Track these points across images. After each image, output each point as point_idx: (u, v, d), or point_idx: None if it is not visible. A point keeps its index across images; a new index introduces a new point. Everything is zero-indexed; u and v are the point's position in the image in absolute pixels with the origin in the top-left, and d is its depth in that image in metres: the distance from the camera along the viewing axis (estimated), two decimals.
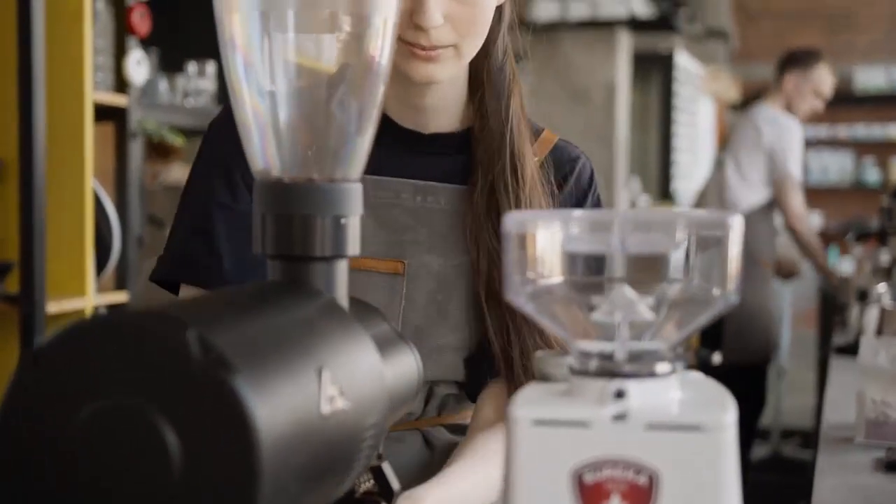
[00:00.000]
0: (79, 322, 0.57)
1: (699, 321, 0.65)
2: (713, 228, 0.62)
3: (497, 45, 1.24)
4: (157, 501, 0.53)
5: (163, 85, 3.05)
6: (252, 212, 0.71)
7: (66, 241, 2.55)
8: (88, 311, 2.60)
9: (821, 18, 9.75)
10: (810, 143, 9.72)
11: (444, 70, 1.16)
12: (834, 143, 9.74)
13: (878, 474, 1.53)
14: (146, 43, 2.87)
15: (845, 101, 9.57)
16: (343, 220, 0.71)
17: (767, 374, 4.36)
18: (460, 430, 1.29)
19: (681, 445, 0.61)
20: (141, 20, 2.73)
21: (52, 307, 2.45)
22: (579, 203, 1.28)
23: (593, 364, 0.64)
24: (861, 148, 9.68)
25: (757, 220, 4.23)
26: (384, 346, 0.75)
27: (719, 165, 4.42)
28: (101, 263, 2.66)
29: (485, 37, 1.19)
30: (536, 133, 1.30)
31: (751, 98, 7.67)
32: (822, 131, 9.67)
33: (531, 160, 1.23)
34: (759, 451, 5.08)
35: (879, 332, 2.72)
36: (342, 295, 0.73)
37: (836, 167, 9.74)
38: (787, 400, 5.35)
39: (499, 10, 1.23)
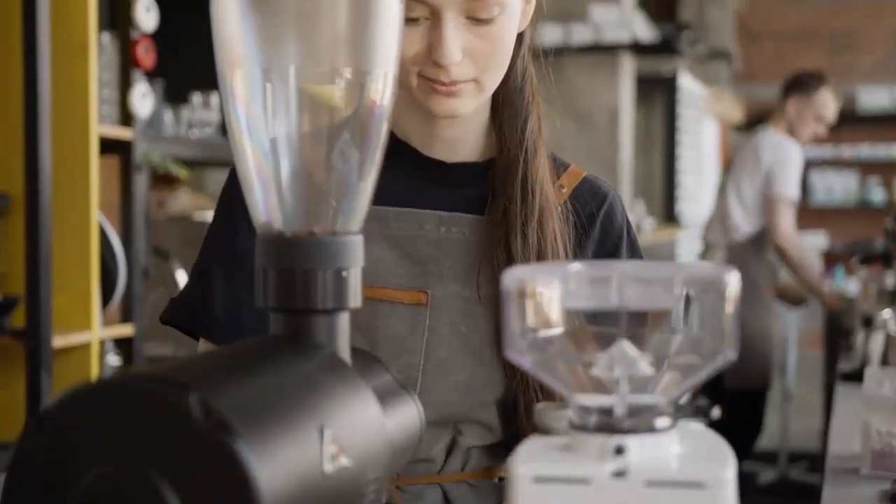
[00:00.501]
0: (82, 386, 0.57)
1: (698, 376, 0.66)
2: (710, 285, 0.63)
3: (516, 68, 1.22)
4: None
5: (167, 116, 3.06)
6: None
7: (71, 275, 2.55)
8: (94, 345, 2.60)
9: (824, 39, 9.78)
10: (814, 164, 9.75)
11: (465, 104, 1.15)
12: (838, 164, 9.77)
13: None
14: (151, 74, 2.89)
15: (849, 122, 9.58)
16: (344, 273, 0.72)
17: (766, 399, 4.36)
18: (485, 489, 1.22)
19: (681, 502, 0.61)
20: (146, 53, 2.75)
21: (58, 341, 2.45)
22: (615, 247, 1.25)
23: (593, 419, 0.64)
24: (865, 168, 9.71)
25: (758, 246, 4.24)
26: (385, 396, 0.76)
27: (722, 190, 4.44)
28: (106, 296, 2.66)
29: (506, 68, 1.17)
30: (563, 167, 1.27)
31: (754, 118, 7.68)
32: (827, 151, 9.69)
33: (548, 186, 1.21)
34: (767, 475, 5.06)
35: (885, 358, 2.72)
36: (344, 347, 0.74)
37: (841, 187, 9.76)
38: (795, 423, 5.33)
39: (519, 35, 1.21)
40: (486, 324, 1.18)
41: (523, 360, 0.66)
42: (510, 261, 1.16)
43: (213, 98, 3.20)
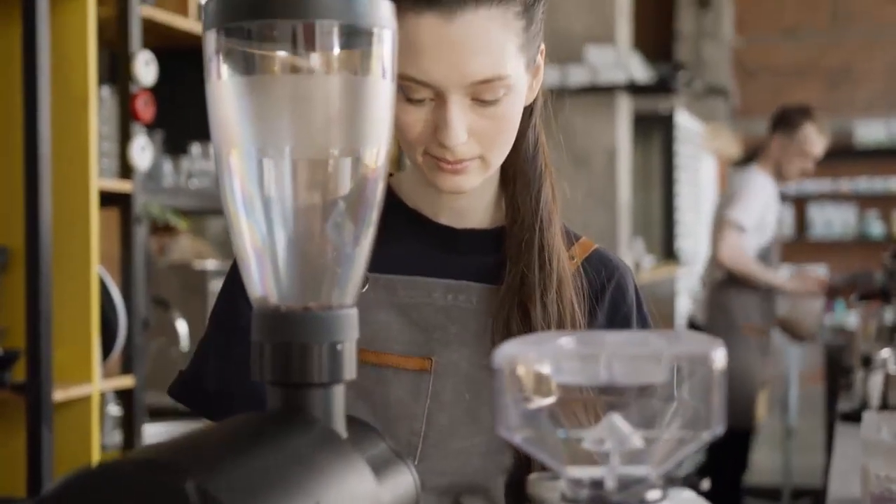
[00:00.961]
0: (81, 471, 0.58)
1: (688, 448, 0.67)
2: (697, 362, 0.64)
3: (527, 139, 1.23)
4: None
5: (167, 167, 3.08)
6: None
7: (72, 329, 2.56)
8: (95, 397, 2.61)
9: (820, 73, 9.84)
10: (813, 197, 9.79)
11: (471, 180, 1.15)
12: (837, 197, 9.80)
13: None
14: (150, 126, 2.91)
15: (846, 156, 9.64)
16: (339, 347, 0.73)
17: (750, 439, 4.36)
18: None
19: None
20: (145, 107, 2.77)
21: (59, 394, 2.46)
22: (625, 320, 1.24)
23: (584, 492, 0.65)
24: (864, 201, 9.74)
25: (740, 284, 4.25)
26: (381, 467, 0.76)
27: (711, 228, 4.51)
28: (107, 348, 2.68)
29: (511, 144, 1.17)
30: (575, 238, 1.27)
31: (752, 154, 7.71)
32: (825, 185, 9.73)
33: (563, 255, 1.21)
34: None
35: (884, 398, 2.73)
36: (339, 419, 0.75)
37: (840, 221, 9.78)
38: (799, 459, 5.32)
39: (529, 107, 1.21)
40: (491, 392, 1.19)
41: (515, 435, 0.67)
42: (529, 330, 1.16)
43: (212, 148, 3.21)
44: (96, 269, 2.59)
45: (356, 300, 0.75)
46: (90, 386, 2.58)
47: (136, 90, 2.78)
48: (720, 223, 4.28)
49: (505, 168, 1.23)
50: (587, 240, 1.28)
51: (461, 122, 1.09)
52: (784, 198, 9.45)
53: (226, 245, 3.89)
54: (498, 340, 1.17)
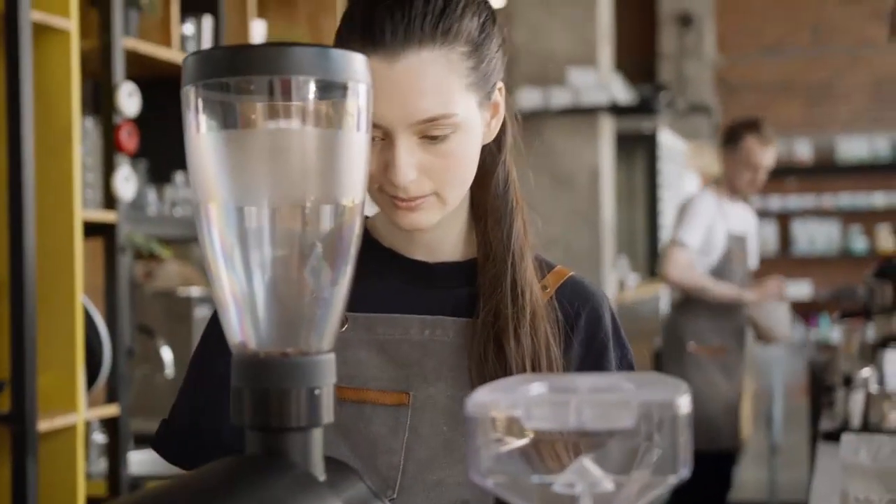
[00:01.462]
0: None
1: (658, 490, 0.69)
2: (663, 408, 0.66)
3: (497, 175, 1.24)
4: None
5: (151, 196, 3.10)
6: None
7: (56, 359, 2.57)
8: (80, 426, 2.61)
9: (802, 90, 9.91)
10: (796, 213, 9.85)
11: (428, 217, 1.17)
12: (820, 213, 9.86)
13: None
14: (134, 156, 2.92)
15: (829, 171, 9.72)
16: (317, 391, 0.75)
17: (734, 459, 4.36)
18: None
19: None
20: (128, 138, 2.79)
21: (44, 424, 2.46)
22: (603, 347, 1.25)
23: None
24: (847, 217, 9.80)
25: (691, 305, 4.26)
26: None
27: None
28: (91, 377, 2.68)
29: (468, 181, 1.19)
30: (549, 267, 1.28)
31: None
32: (808, 201, 9.79)
33: (535, 288, 1.22)
34: None
35: (865, 417, 2.75)
36: (317, 462, 0.76)
37: (823, 236, 9.84)
38: (784, 474, 5.34)
39: (497, 141, 1.23)
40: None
41: (487, 480, 0.69)
42: (504, 363, 1.18)
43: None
44: (80, 299, 2.60)
45: (334, 345, 0.77)
46: (75, 415, 2.59)
47: (120, 121, 2.79)
48: (666, 245, 4.37)
49: (475, 204, 1.25)
50: (562, 267, 1.29)
51: (408, 160, 1.12)
52: (767, 214, 9.55)
53: None
54: (474, 374, 1.19)
